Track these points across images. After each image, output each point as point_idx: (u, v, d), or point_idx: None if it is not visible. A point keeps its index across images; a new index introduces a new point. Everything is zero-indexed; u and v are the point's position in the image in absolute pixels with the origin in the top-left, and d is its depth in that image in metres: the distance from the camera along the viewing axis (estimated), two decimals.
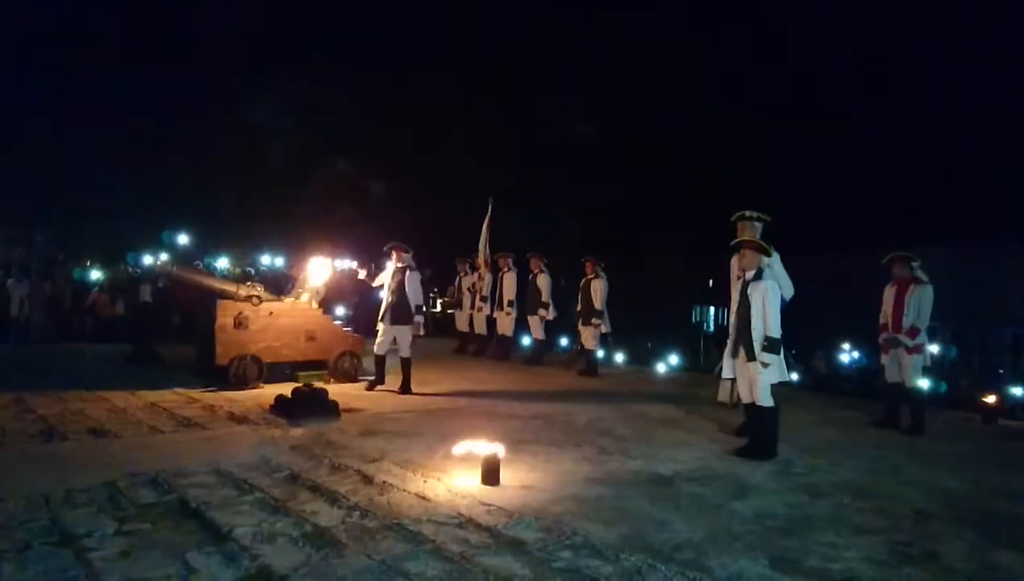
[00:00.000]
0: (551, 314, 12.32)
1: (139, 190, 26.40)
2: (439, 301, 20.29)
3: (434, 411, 7.96)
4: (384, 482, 5.11)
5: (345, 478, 5.24)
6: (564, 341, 14.77)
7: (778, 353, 6.04)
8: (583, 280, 11.39)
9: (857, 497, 5.13)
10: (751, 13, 27.08)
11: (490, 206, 13.52)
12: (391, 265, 9.23)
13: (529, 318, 12.49)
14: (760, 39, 27.36)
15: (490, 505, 4.67)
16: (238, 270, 23.07)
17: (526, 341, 13.31)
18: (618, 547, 4.01)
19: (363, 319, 13.11)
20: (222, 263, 26.00)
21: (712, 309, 25.28)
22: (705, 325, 25.25)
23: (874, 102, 26.45)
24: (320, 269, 9.94)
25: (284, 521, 4.31)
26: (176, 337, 14.39)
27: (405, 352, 9.06)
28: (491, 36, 30.25)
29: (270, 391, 8.33)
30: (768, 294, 6.02)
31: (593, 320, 11.17)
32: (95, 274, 19.54)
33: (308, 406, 7.41)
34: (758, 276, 6.11)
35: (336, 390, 8.40)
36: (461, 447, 5.43)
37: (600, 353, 11.84)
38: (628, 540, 4.14)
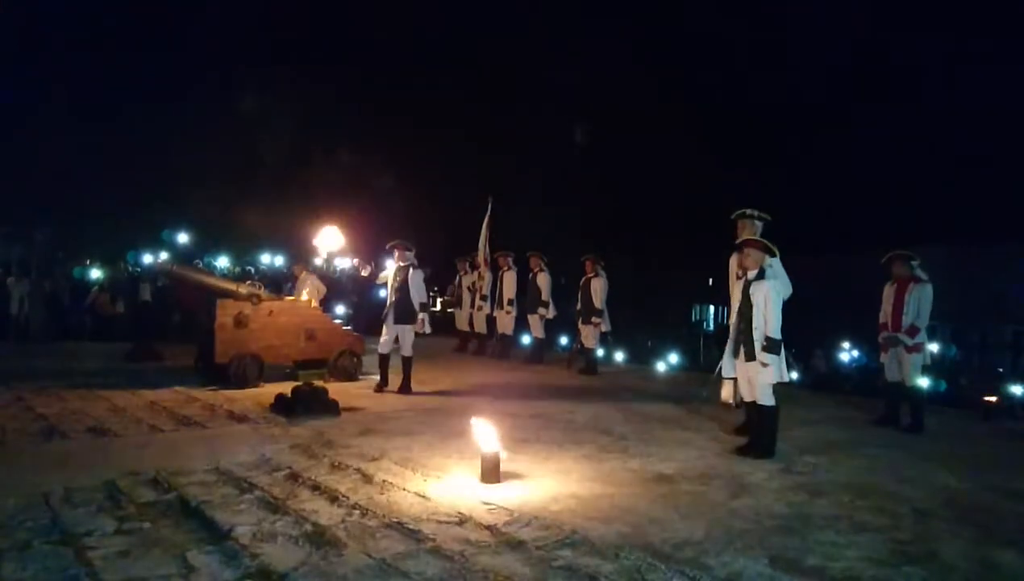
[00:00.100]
0: (551, 313, 12.32)
1: (139, 189, 26.41)
2: (439, 300, 20.30)
3: (434, 410, 7.96)
4: (384, 481, 5.12)
5: (345, 477, 5.24)
6: (564, 340, 14.78)
7: (778, 353, 6.04)
8: (583, 279, 11.39)
9: (857, 496, 5.13)
10: (751, 13, 27.08)
11: (490, 205, 13.52)
12: (393, 264, 9.20)
13: (529, 317, 12.49)
14: (760, 38, 27.36)
15: (490, 504, 4.67)
16: (238, 269, 23.08)
17: (526, 340, 13.31)
18: (618, 546, 4.01)
19: (363, 318, 13.12)
20: (222, 262, 26.01)
21: (712, 308, 25.31)
22: (705, 324, 25.27)
23: (874, 102, 26.45)
24: (332, 238, 9.74)
25: (284, 520, 4.31)
26: (176, 336, 14.39)
27: (407, 351, 9.05)
28: (491, 35, 30.25)
29: (270, 390, 8.34)
30: (770, 294, 6.01)
31: (593, 319, 11.17)
32: (95, 273, 19.56)
33: (308, 405, 7.42)
34: (760, 276, 6.10)
35: (336, 389, 8.39)
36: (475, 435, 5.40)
37: (600, 352, 11.85)
38: (628, 539, 4.14)
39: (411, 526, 4.23)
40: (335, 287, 15.93)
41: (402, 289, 8.91)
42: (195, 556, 3.77)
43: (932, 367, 8.43)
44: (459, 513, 4.48)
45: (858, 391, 12.22)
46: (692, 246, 22.09)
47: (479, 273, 13.32)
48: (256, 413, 7.45)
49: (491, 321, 13.38)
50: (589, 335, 11.32)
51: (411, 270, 9.00)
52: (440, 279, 19.30)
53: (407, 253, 9.11)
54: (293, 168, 28.64)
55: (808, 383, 14.33)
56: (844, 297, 15.87)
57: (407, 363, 9.07)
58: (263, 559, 3.74)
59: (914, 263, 7.61)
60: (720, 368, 6.56)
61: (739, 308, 6.23)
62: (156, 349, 11.61)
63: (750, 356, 6.07)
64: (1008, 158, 21.49)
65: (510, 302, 12.73)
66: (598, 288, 11.14)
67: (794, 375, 12.24)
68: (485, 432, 5.32)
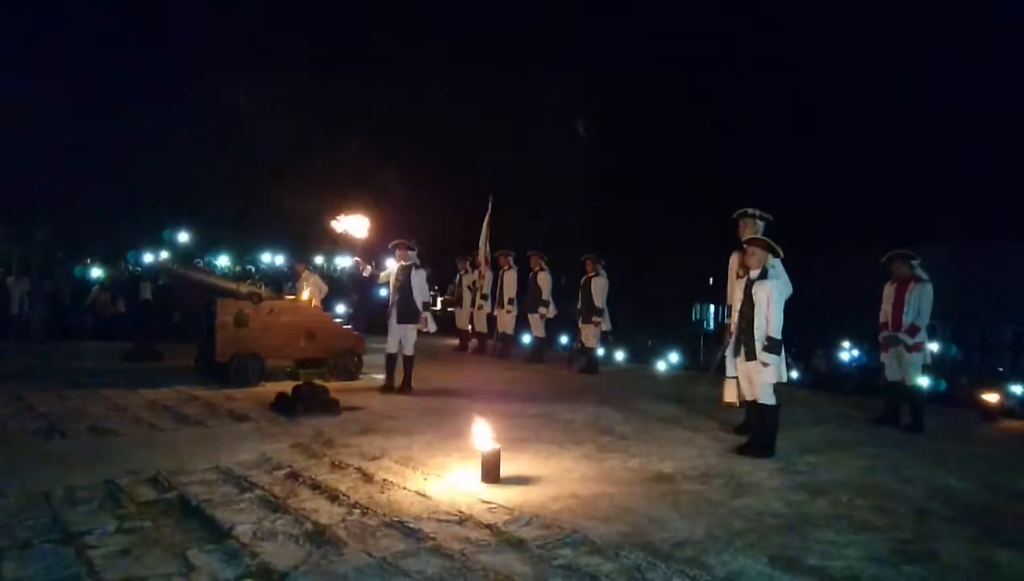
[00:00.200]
0: (551, 312, 12.33)
1: (140, 189, 26.42)
2: (439, 299, 20.31)
3: (434, 409, 7.96)
4: (384, 480, 5.12)
5: (345, 476, 5.24)
6: (564, 339, 14.78)
7: (779, 353, 6.04)
8: (583, 278, 11.40)
9: (857, 495, 5.13)
10: (752, 12, 27.07)
11: (490, 204, 13.52)
12: (395, 263, 9.18)
13: (529, 316, 12.50)
14: (759, 38, 27.34)
15: (490, 503, 4.67)
16: (238, 268, 23.10)
17: (526, 339, 13.32)
18: (618, 545, 4.02)
19: (364, 317, 13.13)
20: (222, 261, 26.03)
21: (712, 307, 25.29)
22: (705, 323, 25.26)
23: (874, 101, 26.43)
24: (359, 225, 9.45)
25: (284, 519, 4.32)
26: (176, 335, 14.38)
27: (409, 350, 9.04)
28: (491, 34, 30.25)
29: (270, 389, 8.34)
30: (773, 294, 6.01)
31: (593, 318, 11.18)
32: (96, 272, 19.58)
33: (308, 404, 7.42)
34: (763, 275, 6.10)
35: (336, 388, 8.40)
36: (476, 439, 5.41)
37: (600, 351, 11.85)
38: (628, 538, 4.14)
39: (411, 525, 4.24)
40: (336, 286, 15.93)
41: (405, 289, 8.90)
42: (195, 555, 3.77)
43: (932, 366, 8.43)
44: (459, 512, 4.48)
45: (858, 390, 12.23)
46: (692, 246, 22.08)
47: (480, 272, 13.33)
48: (256, 412, 7.45)
49: (491, 320, 13.39)
50: (589, 334, 11.33)
51: (413, 270, 8.98)
52: (440, 278, 19.32)
53: (409, 252, 9.09)
54: (294, 166, 28.66)
55: (808, 382, 14.34)
56: (844, 296, 15.86)
57: (408, 362, 9.07)
58: (263, 558, 3.74)
59: (914, 262, 7.61)
60: (715, 365, 6.55)
61: (741, 307, 6.22)
62: (156, 348, 11.61)
63: (751, 355, 6.08)
64: (1009, 157, 21.49)
65: (511, 301, 12.73)
66: (599, 287, 11.14)
67: (793, 374, 12.25)
68: (484, 432, 5.32)
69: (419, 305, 8.90)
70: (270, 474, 5.24)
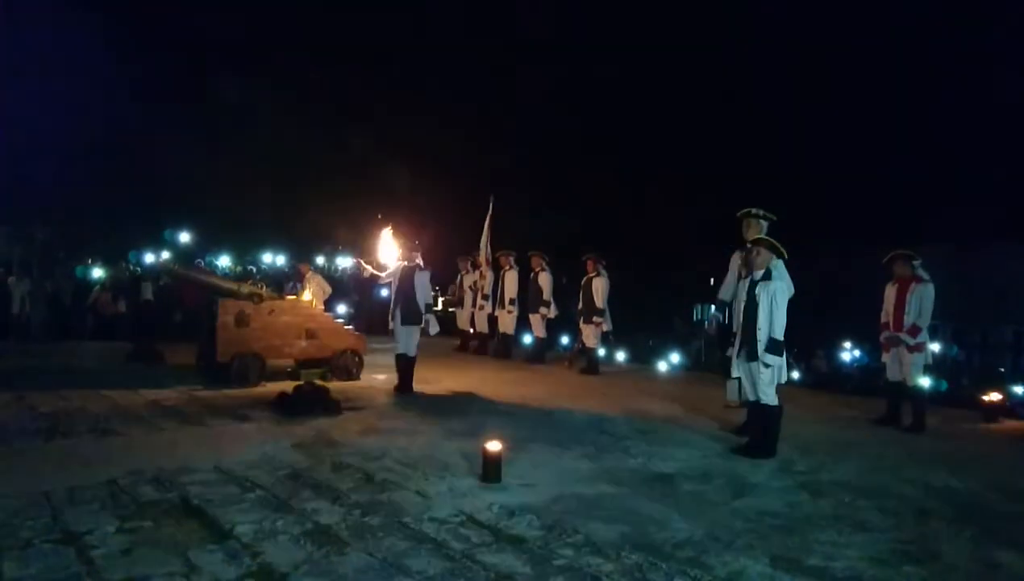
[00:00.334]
0: (552, 312, 12.32)
1: (141, 188, 26.43)
2: (440, 299, 20.31)
3: (435, 409, 7.96)
4: (385, 480, 5.12)
5: (346, 476, 5.24)
6: (565, 339, 14.77)
7: (781, 355, 6.04)
8: (584, 278, 11.39)
9: (858, 496, 5.13)
10: (751, 12, 27.07)
11: (491, 204, 13.52)
12: (398, 264, 9.14)
13: (530, 316, 12.49)
14: (758, 37, 27.34)
15: (491, 503, 4.68)
16: (239, 268, 23.11)
17: (527, 339, 13.31)
18: (619, 545, 4.02)
19: (365, 317, 13.13)
20: (223, 261, 26.04)
21: (713, 308, 25.28)
22: (706, 323, 25.23)
23: (874, 101, 26.44)
24: (389, 245, 9.19)
25: (285, 519, 4.32)
26: (177, 335, 14.40)
27: (411, 351, 9.03)
28: (491, 33, 30.27)
29: (271, 389, 8.35)
30: (776, 296, 6.00)
31: (594, 318, 11.17)
32: (97, 272, 19.57)
33: (309, 404, 7.43)
34: (767, 276, 6.10)
35: (337, 388, 8.40)
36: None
37: (601, 351, 11.85)
38: (629, 538, 4.14)
39: (412, 525, 4.24)
40: (337, 286, 15.93)
41: (409, 290, 8.88)
42: (197, 555, 3.78)
43: (933, 367, 8.42)
44: (460, 512, 4.49)
45: (859, 391, 12.20)
46: (694, 245, 22.09)
47: (480, 272, 13.33)
48: (258, 412, 7.45)
49: (492, 321, 13.38)
50: (590, 334, 11.32)
51: (417, 271, 8.96)
52: (441, 278, 19.33)
53: (413, 253, 9.07)
54: (295, 165, 28.68)
55: (809, 383, 14.32)
56: (845, 297, 15.86)
57: (409, 363, 9.06)
58: (265, 558, 3.74)
59: (916, 263, 7.60)
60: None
61: (744, 308, 6.22)
62: (158, 348, 11.61)
63: (752, 356, 6.07)
64: (1010, 156, 21.49)
65: (512, 301, 12.72)
66: (599, 287, 11.13)
67: (795, 375, 12.25)
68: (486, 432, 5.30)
69: (421, 307, 8.88)
70: (271, 474, 5.24)
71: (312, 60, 30.39)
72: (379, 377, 10.04)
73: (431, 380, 9.65)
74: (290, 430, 6.72)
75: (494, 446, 5.22)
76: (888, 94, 25.73)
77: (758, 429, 6.30)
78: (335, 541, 3.99)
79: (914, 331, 7.45)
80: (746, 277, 6.35)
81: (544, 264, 12.28)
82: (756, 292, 6.08)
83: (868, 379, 13.84)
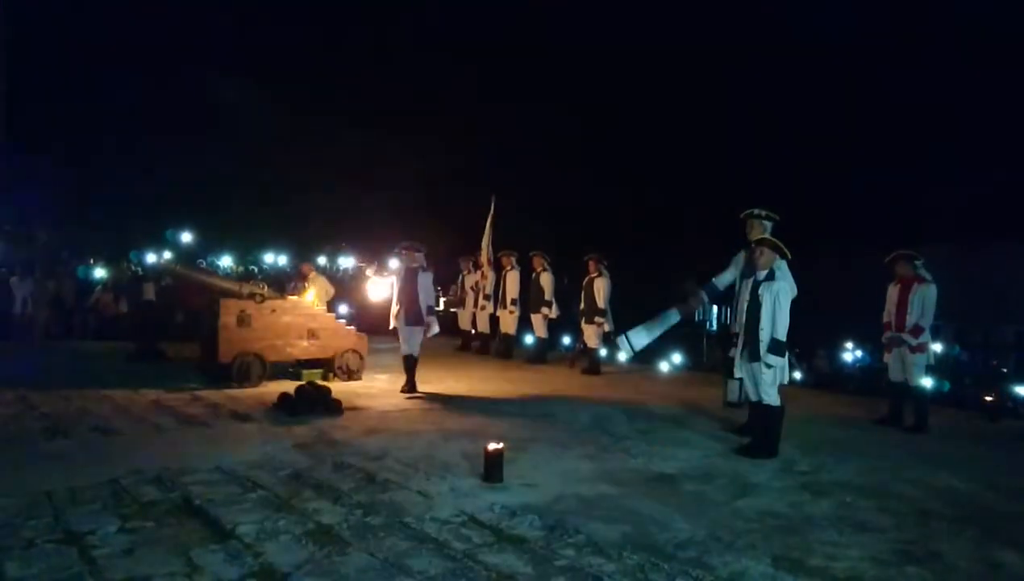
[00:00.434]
0: (554, 312, 12.32)
1: (143, 188, 26.46)
2: (442, 299, 20.32)
3: (437, 409, 7.97)
4: (387, 480, 5.13)
5: (348, 476, 5.25)
6: (567, 339, 14.76)
7: (783, 355, 6.04)
8: (586, 278, 11.39)
9: (860, 496, 5.13)
10: (750, 11, 27.06)
11: (492, 204, 13.51)
12: (402, 265, 9.13)
13: (532, 316, 12.49)
14: (757, 36, 27.33)
15: (493, 503, 4.68)
16: (241, 268, 23.13)
17: (529, 339, 13.31)
18: (620, 545, 4.02)
19: (366, 317, 13.11)
20: (225, 261, 26.07)
21: (715, 307, 25.26)
22: (708, 323, 25.23)
23: (873, 99, 26.41)
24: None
25: (287, 519, 4.32)
26: (179, 335, 14.40)
27: (414, 351, 9.03)
28: (491, 33, 30.28)
29: (273, 389, 8.35)
30: (780, 297, 6.00)
31: (596, 318, 11.17)
32: (99, 272, 19.59)
33: (311, 404, 7.44)
34: (770, 276, 6.09)
35: (339, 388, 8.41)
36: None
37: (603, 352, 11.84)
38: (630, 538, 4.14)
39: (414, 525, 4.24)
40: (339, 287, 15.93)
41: (412, 291, 8.87)
42: (199, 555, 3.78)
43: (936, 367, 8.41)
44: (462, 512, 4.49)
45: (861, 391, 12.19)
46: (695, 245, 22.06)
47: (482, 273, 13.33)
48: (259, 412, 7.46)
49: (494, 321, 13.38)
50: (592, 335, 11.32)
51: (421, 272, 8.96)
52: (443, 279, 19.34)
53: (417, 254, 9.06)
54: (297, 166, 28.68)
55: (811, 383, 14.30)
56: (847, 297, 15.82)
57: (412, 364, 9.05)
58: (266, 558, 3.75)
59: (918, 263, 7.60)
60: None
61: (747, 308, 6.22)
62: (159, 348, 11.63)
63: (755, 356, 6.07)
64: (1011, 156, 21.46)
65: (513, 302, 12.72)
66: (601, 287, 11.14)
67: (796, 375, 12.23)
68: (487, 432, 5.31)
69: (423, 308, 8.88)
70: (273, 474, 5.24)
71: (312, 60, 30.44)
72: (381, 377, 10.05)
73: (433, 380, 9.65)
74: (292, 430, 6.73)
75: (495, 446, 5.22)
76: (888, 94, 25.71)
77: (760, 429, 6.30)
78: (337, 541, 3.99)
79: (916, 331, 7.45)
80: (749, 277, 6.35)
81: (546, 264, 12.28)
82: (759, 292, 6.08)
83: (870, 379, 13.81)
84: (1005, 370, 16.02)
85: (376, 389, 9.20)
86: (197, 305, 11.28)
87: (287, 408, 7.41)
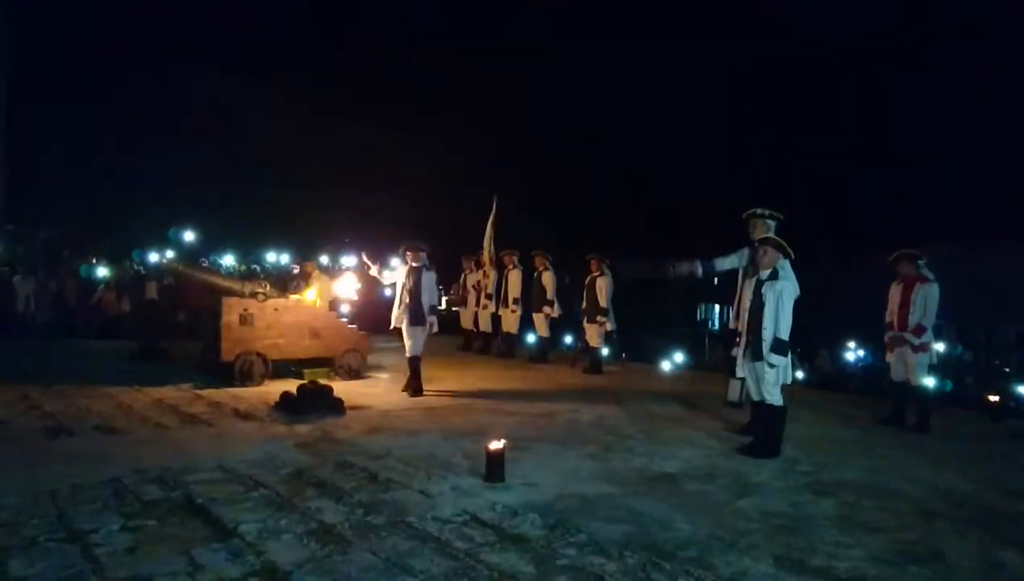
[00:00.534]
0: (556, 312, 12.32)
1: (145, 187, 26.48)
2: (443, 298, 20.32)
3: (439, 409, 7.97)
4: (389, 479, 5.13)
5: (350, 475, 5.25)
6: (569, 339, 14.77)
7: (785, 355, 6.03)
8: (588, 278, 11.39)
9: (862, 496, 5.12)
10: (750, 11, 27.04)
11: (494, 203, 13.51)
12: (405, 264, 9.11)
13: (534, 315, 12.49)
14: (758, 36, 27.30)
15: (495, 502, 4.68)
16: (243, 267, 23.13)
17: (531, 339, 13.31)
18: (622, 545, 4.02)
19: (369, 317, 13.12)
20: (227, 260, 26.06)
21: (716, 307, 25.27)
22: (710, 323, 25.25)
23: (874, 100, 26.38)
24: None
25: (289, 518, 4.33)
26: (182, 334, 14.41)
27: (417, 351, 9.02)
28: (491, 33, 30.27)
29: (275, 388, 8.35)
30: (783, 296, 5.99)
31: (598, 318, 11.17)
32: (101, 271, 19.59)
33: (313, 403, 7.44)
34: (773, 276, 6.09)
35: (341, 387, 8.41)
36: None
37: (604, 351, 11.84)
38: (632, 538, 4.14)
39: (416, 524, 4.24)
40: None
41: (415, 291, 8.86)
42: (201, 553, 3.78)
43: (938, 367, 8.40)
44: (464, 511, 4.49)
45: (863, 391, 12.20)
46: (695, 245, 22.04)
47: (484, 272, 13.33)
48: (261, 411, 7.47)
49: (496, 320, 13.38)
50: (594, 334, 11.32)
51: (424, 272, 8.94)
52: (444, 278, 19.35)
53: (420, 254, 9.05)
54: (298, 165, 28.71)
55: (813, 383, 14.31)
56: (849, 296, 15.80)
57: (415, 363, 9.03)
58: (268, 556, 3.75)
59: (921, 262, 7.58)
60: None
61: (750, 307, 6.21)
62: (162, 347, 11.64)
63: (757, 356, 6.07)
64: (1011, 156, 21.44)
65: (515, 301, 12.72)
66: (603, 287, 11.13)
67: (799, 375, 12.23)
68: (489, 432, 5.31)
69: (425, 307, 8.87)
70: (275, 473, 5.25)
71: (312, 60, 30.45)
72: (383, 376, 10.06)
73: (434, 379, 9.65)
74: (294, 429, 6.74)
75: (497, 445, 5.22)
76: (889, 93, 25.68)
77: (762, 429, 6.30)
78: (338, 540, 3.99)
79: (919, 331, 7.43)
80: (753, 276, 6.34)
81: (547, 263, 12.28)
82: (763, 291, 6.07)
83: (872, 379, 13.83)
84: (1007, 369, 16.01)
85: (378, 388, 9.20)
86: (199, 304, 11.31)
87: (289, 407, 7.42)
